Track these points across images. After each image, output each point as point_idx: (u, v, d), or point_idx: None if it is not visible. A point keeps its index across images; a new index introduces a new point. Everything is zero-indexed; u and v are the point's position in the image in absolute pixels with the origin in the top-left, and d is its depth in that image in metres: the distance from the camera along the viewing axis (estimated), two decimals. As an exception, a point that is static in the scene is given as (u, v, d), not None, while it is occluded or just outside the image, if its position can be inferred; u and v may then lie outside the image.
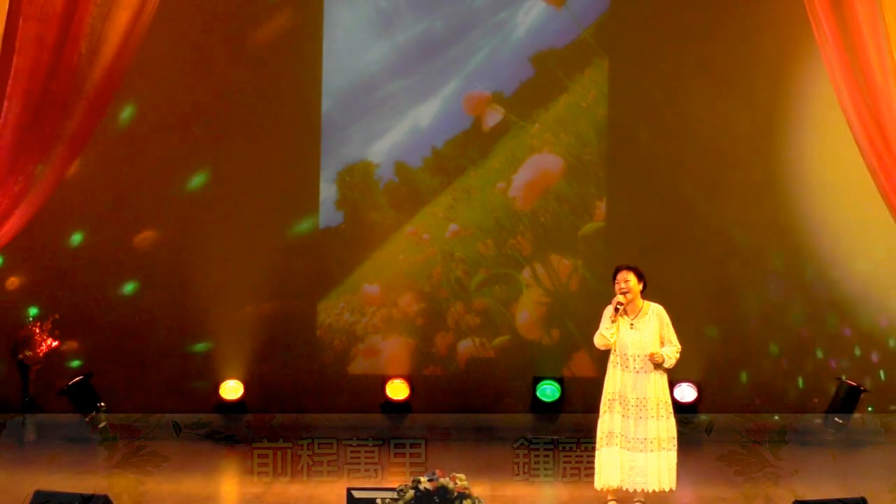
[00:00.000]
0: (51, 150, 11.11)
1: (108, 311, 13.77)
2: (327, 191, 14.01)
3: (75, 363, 13.71)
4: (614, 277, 9.84)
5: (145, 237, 13.81)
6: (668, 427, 9.65)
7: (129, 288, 13.87)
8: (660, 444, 9.59)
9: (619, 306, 9.66)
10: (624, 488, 9.61)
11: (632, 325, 9.70)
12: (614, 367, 9.73)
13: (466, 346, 14.02)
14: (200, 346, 13.85)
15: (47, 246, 13.59)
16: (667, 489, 9.63)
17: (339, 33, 13.94)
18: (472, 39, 13.94)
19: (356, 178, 14.06)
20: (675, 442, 9.67)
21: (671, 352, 9.68)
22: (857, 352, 13.84)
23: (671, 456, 9.64)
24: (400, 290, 14.04)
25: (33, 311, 13.42)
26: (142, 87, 13.52)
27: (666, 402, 9.68)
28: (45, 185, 11.13)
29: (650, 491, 9.59)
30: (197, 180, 13.86)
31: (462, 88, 13.98)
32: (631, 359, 9.67)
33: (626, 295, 9.69)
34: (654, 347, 9.66)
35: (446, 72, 13.94)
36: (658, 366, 9.64)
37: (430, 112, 14.02)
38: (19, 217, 11.07)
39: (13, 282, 13.62)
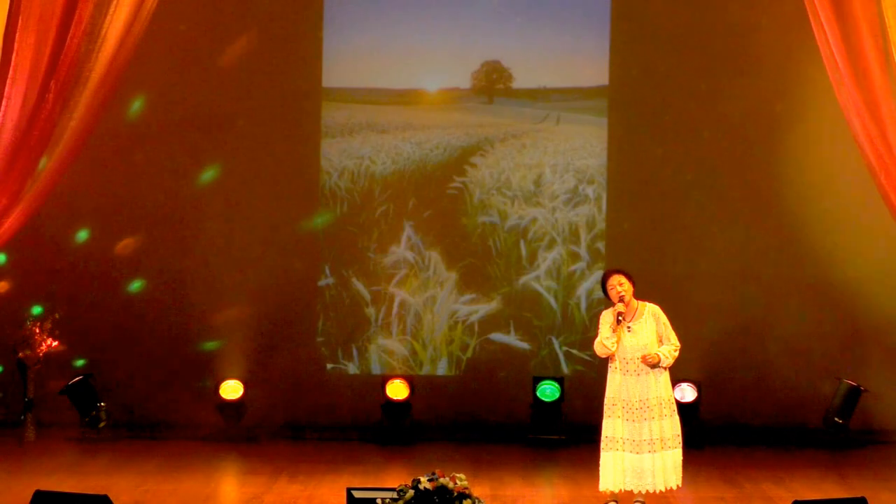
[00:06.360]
0: (50, 149, 11.10)
1: (108, 311, 13.76)
2: (328, 190, 14.03)
3: (77, 363, 13.71)
4: (605, 283, 9.78)
5: (145, 237, 13.80)
6: (671, 425, 9.63)
7: (129, 288, 13.87)
8: (664, 444, 9.57)
9: (619, 317, 9.60)
10: (635, 491, 9.59)
11: (629, 328, 9.65)
12: (614, 371, 9.68)
13: (466, 346, 14.02)
14: (201, 346, 13.84)
15: (47, 245, 13.59)
16: (674, 487, 9.62)
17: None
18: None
19: (357, 178, 14.07)
20: (679, 440, 9.65)
21: (668, 350, 9.61)
22: (857, 351, 13.83)
23: (676, 454, 9.63)
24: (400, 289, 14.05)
25: (36, 309, 13.44)
26: (141, 86, 13.53)
27: (669, 400, 9.64)
28: (45, 185, 11.13)
29: (657, 492, 9.57)
30: (197, 180, 13.85)
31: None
32: (631, 362, 9.62)
33: (625, 300, 9.63)
34: (653, 348, 9.62)
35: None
36: (655, 366, 9.61)
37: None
38: (19, 216, 11.07)
39: (9, 283, 13.64)
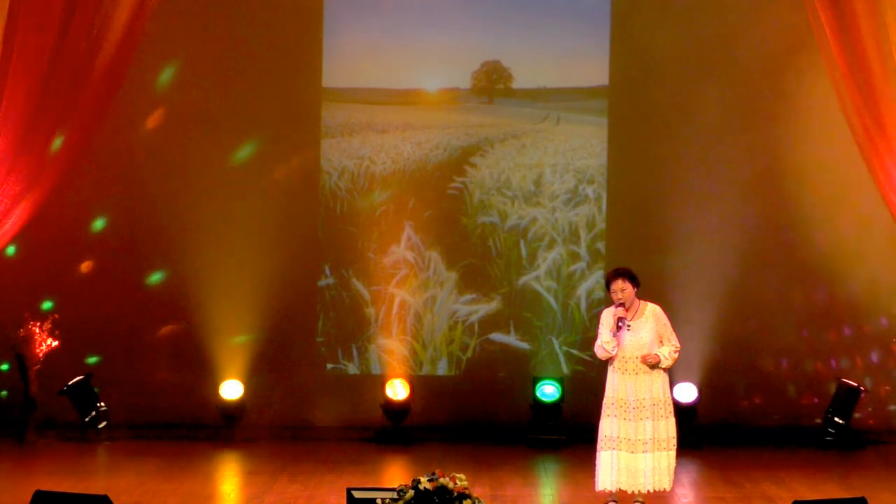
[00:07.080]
0: (50, 150, 11.11)
1: (108, 312, 13.75)
2: (328, 190, 14.03)
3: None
4: (608, 285, 9.75)
5: (145, 237, 13.79)
6: (666, 426, 9.60)
7: (129, 289, 13.85)
8: (657, 445, 9.56)
9: (620, 323, 9.57)
10: (628, 491, 9.58)
11: (629, 326, 9.62)
12: (613, 370, 9.66)
13: (466, 346, 14.02)
14: (201, 347, 13.82)
15: (47, 246, 13.58)
16: (665, 489, 9.60)
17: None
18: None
19: (357, 178, 14.07)
20: (674, 442, 9.62)
21: (668, 352, 9.59)
22: (858, 352, 13.83)
23: (670, 456, 9.60)
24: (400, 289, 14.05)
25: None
26: (140, 85, 13.52)
27: (665, 402, 9.62)
28: (46, 185, 11.15)
29: (647, 492, 9.56)
30: (197, 181, 13.84)
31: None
32: (630, 361, 9.60)
33: (625, 305, 9.60)
34: (652, 348, 9.60)
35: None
36: (654, 367, 9.59)
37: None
38: (20, 216, 11.09)
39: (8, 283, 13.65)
